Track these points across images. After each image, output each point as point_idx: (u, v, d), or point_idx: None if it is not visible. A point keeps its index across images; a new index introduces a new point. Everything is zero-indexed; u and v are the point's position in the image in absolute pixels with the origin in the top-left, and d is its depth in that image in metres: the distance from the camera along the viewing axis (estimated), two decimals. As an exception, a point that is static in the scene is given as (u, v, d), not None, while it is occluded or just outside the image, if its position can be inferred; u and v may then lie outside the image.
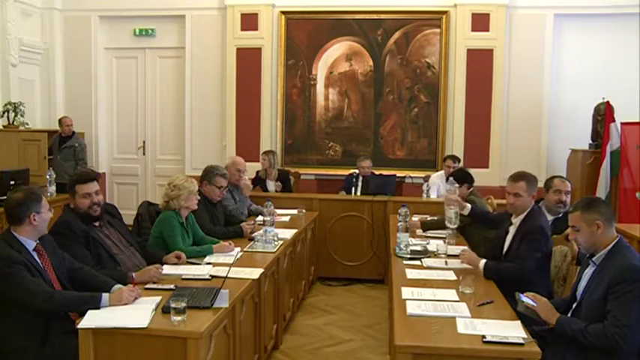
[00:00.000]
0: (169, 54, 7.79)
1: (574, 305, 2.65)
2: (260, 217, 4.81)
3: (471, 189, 4.74)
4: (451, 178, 4.47)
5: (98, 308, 2.51)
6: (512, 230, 3.42)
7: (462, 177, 4.72)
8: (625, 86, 6.75)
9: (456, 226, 3.82)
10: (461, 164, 6.25)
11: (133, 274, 2.98)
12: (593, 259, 2.61)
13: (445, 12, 7.05)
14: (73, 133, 7.11)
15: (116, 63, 7.96)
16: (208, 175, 4.40)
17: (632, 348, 2.37)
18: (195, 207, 3.83)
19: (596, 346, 2.38)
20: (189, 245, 3.74)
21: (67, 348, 2.46)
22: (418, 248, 3.84)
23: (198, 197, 3.85)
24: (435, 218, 4.74)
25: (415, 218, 4.81)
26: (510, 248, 3.38)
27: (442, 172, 6.33)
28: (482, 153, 7.00)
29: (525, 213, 3.39)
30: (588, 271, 2.63)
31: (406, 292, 2.89)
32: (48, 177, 5.81)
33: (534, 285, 2.98)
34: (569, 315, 2.63)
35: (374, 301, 5.20)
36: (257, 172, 6.40)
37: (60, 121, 7.12)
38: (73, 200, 3.20)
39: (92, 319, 2.39)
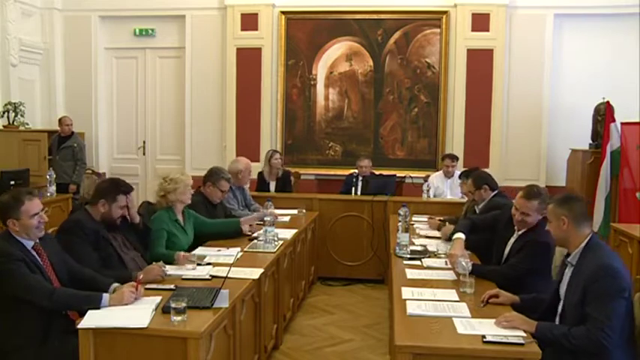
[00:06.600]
0: (169, 54, 7.78)
1: (559, 310, 2.63)
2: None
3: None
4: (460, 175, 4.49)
5: (98, 308, 2.51)
6: (514, 236, 3.36)
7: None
8: (625, 86, 6.74)
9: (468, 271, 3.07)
10: (460, 162, 6.27)
11: (140, 275, 2.96)
12: (569, 259, 2.62)
13: (445, 12, 7.05)
14: (72, 133, 7.08)
15: (116, 63, 7.95)
16: (214, 176, 4.40)
17: (618, 342, 2.34)
18: (189, 201, 3.84)
19: (582, 349, 2.35)
20: (189, 242, 3.75)
21: (67, 348, 2.46)
22: (418, 248, 3.84)
23: (192, 191, 3.86)
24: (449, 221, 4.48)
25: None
26: (510, 255, 3.33)
27: (440, 172, 6.33)
28: (482, 153, 6.99)
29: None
30: (567, 272, 2.62)
31: (406, 292, 2.89)
32: (48, 177, 5.80)
33: (535, 288, 2.97)
34: (556, 319, 2.62)
35: (374, 301, 5.20)
36: (259, 172, 6.36)
37: (60, 120, 7.11)
38: (107, 207, 3.19)
39: (92, 319, 2.39)
